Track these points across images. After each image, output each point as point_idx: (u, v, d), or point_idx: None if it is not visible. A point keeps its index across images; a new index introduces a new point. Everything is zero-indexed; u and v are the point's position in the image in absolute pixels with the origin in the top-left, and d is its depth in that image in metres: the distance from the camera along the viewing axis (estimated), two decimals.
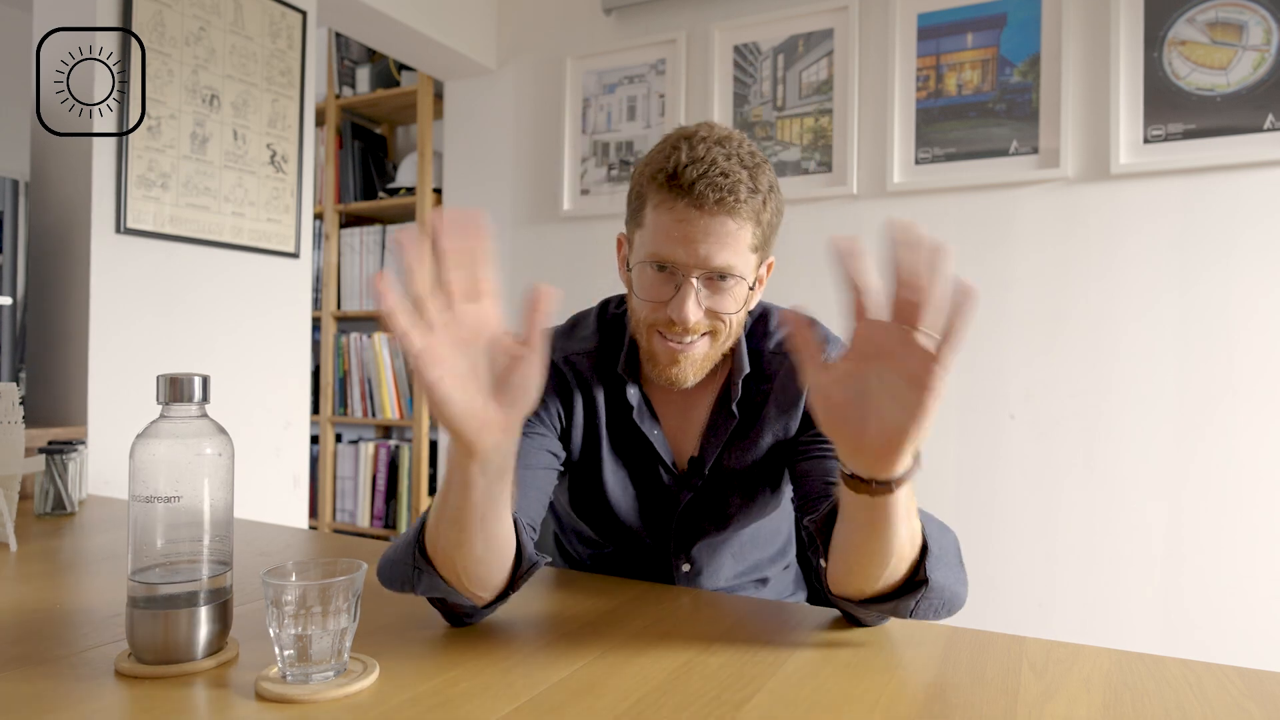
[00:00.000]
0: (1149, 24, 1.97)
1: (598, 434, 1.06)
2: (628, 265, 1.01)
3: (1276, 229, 1.87)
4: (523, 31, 2.84)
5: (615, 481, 1.08)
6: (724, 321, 0.97)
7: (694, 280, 0.93)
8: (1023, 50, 2.10)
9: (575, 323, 1.12)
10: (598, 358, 1.07)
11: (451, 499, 0.72)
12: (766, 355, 1.05)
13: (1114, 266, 2.01)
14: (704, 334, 0.97)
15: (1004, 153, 2.11)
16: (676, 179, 0.91)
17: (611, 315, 1.12)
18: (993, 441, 2.13)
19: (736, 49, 2.44)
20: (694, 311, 0.93)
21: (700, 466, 1.06)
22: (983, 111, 2.13)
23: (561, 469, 1.04)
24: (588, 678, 0.71)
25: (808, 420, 1.02)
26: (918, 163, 2.20)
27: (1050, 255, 2.08)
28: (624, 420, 1.07)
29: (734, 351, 1.04)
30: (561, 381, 1.05)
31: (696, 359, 0.98)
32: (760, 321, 1.09)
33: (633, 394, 1.04)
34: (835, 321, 1.15)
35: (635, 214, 0.98)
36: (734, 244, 0.92)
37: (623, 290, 1.15)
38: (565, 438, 1.05)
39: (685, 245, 0.91)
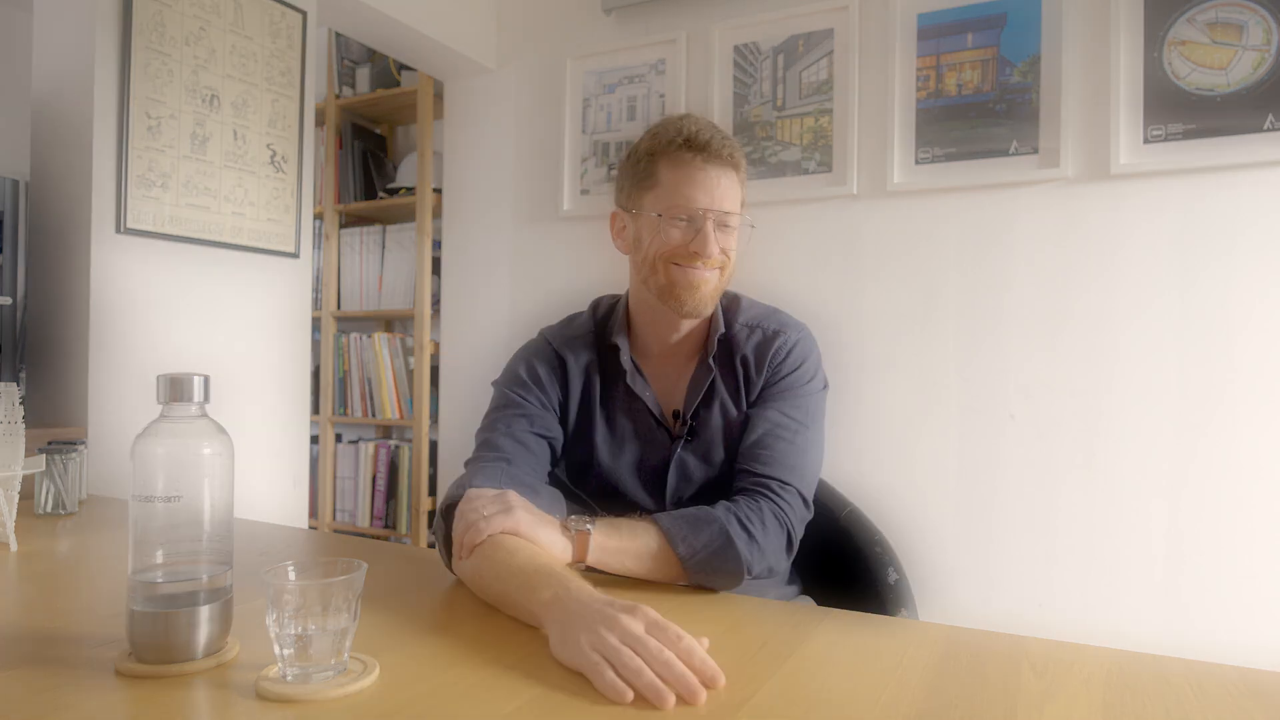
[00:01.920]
0: (1149, 24, 1.97)
1: (591, 405, 1.23)
2: (629, 216, 1.23)
3: (1276, 229, 1.87)
4: (523, 31, 2.84)
5: (608, 447, 1.22)
6: (729, 258, 1.18)
7: (710, 221, 1.14)
8: (1023, 50, 2.10)
9: (570, 319, 1.31)
10: (592, 340, 1.25)
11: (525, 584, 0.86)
12: (737, 329, 1.23)
13: (1114, 266, 2.01)
14: (715, 268, 1.16)
15: (1004, 153, 2.11)
16: (692, 141, 1.13)
17: (603, 312, 1.30)
18: (993, 441, 2.13)
19: (736, 49, 2.44)
20: (715, 245, 1.14)
21: (684, 418, 1.21)
22: (983, 111, 2.13)
23: (557, 446, 1.21)
24: (588, 677, 0.71)
25: (765, 389, 1.20)
26: (918, 163, 2.20)
27: (1050, 255, 2.08)
28: (616, 388, 1.21)
29: (712, 319, 1.23)
30: (561, 364, 1.23)
31: (710, 288, 1.17)
32: (732, 304, 1.26)
33: (625, 359, 1.21)
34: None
35: (643, 180, 1.18)
36: (735, 193, 1.17)
37: (616, 291, 1.31)
38: (563, 415, 1.22)
39: (706, 191, 1.13)
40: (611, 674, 0.68)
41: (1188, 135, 1.93)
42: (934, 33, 2.19)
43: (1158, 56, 1.96)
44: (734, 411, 1.20)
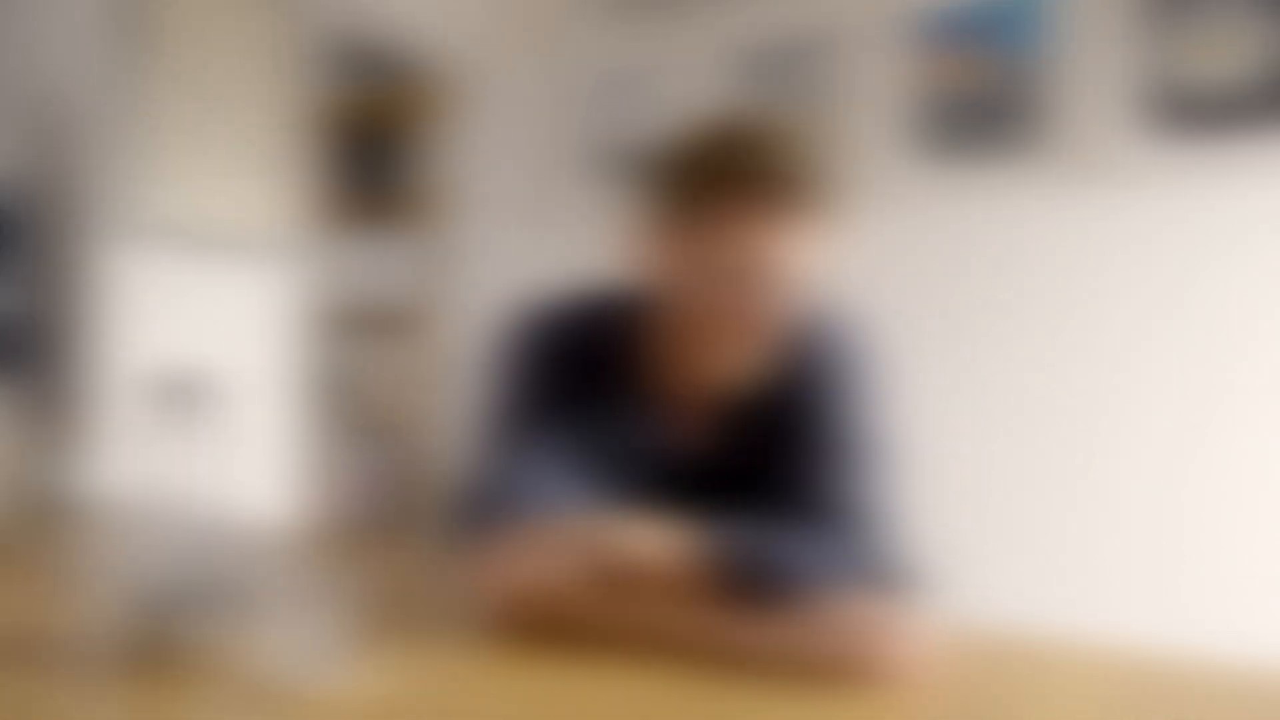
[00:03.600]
0: (1149, 24, 1.97)
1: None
2: None
3: (1278, 230, 1.87)
4: (523, 31, 2.84)
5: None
6: None
7: None
8: (1023, 50, 2.10)
9: None
10: None
11: None
12: None
13: (1114, 266, 2.02)
14: None
15: (1004, 153, 2.11)
16: None
17: None
18: (993, 441, 2.13)
19: (741, 49, 2.44)
20: None
21: None
22: (986, 111, 2.13)
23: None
24: (591, 676, 0.71)
25: None
26: (918, 163, 2.20)
27: (1050, 256, 2.08)
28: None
29: None
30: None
31: None
32: None
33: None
34: None
35: None
36: None
37: None
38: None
39: None
40: None
41: (1189, 136, 1.92)
42: (935, 33, 2.19)
43: (1158, 56, 1.95)
44: None
